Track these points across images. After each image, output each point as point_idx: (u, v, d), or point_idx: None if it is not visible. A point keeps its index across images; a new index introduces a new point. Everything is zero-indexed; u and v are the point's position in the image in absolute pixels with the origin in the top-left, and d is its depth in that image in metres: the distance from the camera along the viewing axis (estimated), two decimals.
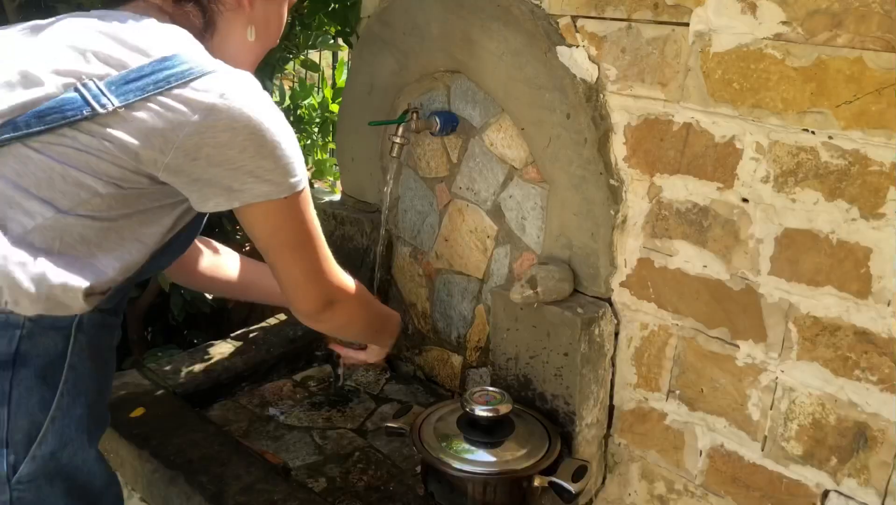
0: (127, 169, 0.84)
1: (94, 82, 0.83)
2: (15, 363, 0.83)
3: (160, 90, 0.83)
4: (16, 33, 0.91)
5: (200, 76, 0.85)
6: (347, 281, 1.14)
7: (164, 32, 0.91)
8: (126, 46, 0.87)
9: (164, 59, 0.85)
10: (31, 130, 0.81)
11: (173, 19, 0.95)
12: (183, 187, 0.89)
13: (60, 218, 0.83)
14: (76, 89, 0.82)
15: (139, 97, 0.83)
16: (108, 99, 0.82)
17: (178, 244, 1.02)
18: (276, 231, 0.97)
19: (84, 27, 0.89)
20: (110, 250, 0.87)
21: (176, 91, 0.83)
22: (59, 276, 0.83)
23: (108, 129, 0.82)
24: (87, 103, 0.81)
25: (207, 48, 0.95)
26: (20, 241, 0.82)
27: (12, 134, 0.81)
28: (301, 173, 0.94)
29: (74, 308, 0.85)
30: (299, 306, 1.08)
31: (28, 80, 0.83)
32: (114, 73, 0.84)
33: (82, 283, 0.84)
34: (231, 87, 0.86)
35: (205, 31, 0.98)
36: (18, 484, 0.86)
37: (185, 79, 0.84)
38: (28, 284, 0.81)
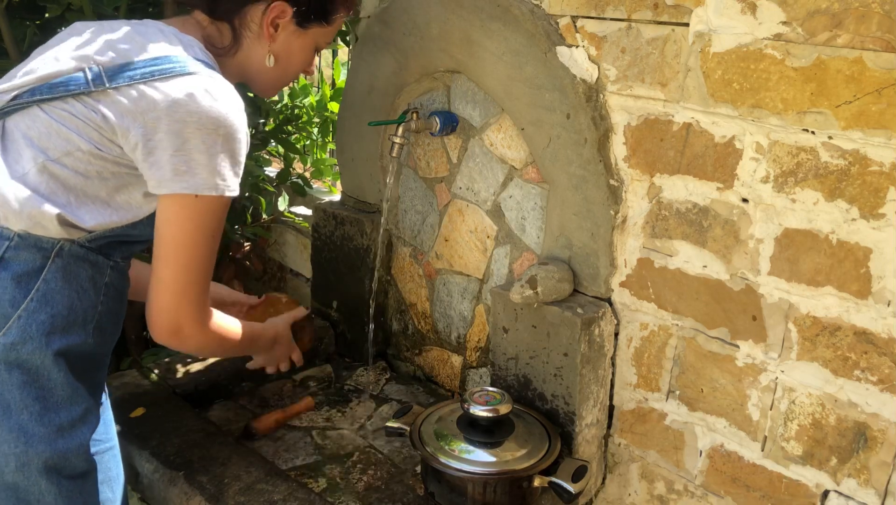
0: (105, 137, 1.02)
1: (99, 67, 1.02)
2: None
3: (144, 80, 1.01)
4: (82, 28, 1.11)
5: (181, 75, 1.02)
6: (220, 323, 1.19)
7: (172, 39, 1.07)
8: (136, 44, 1.05)
9: (157, 58, 1.03)
10: (43, 97, 1.02)
11: (207, 32, 1.16)
12: (140, 164, 1.03)
13: (49, 164, 1.02)
14: (83, 71, 1.02)
15: (127, 83, 1.01)
16: (103, 80, 1.01)
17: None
18: (177, 223, 1.04)
19: (121, 28, 1.09)
20: (85, 204, 1.04)
21: (156, 83, 1.01)
22: (38, 202, 1.01)
23: (97, 104, 1.01)
24: (87, 82, 1.02)
25: (231, 62, 1.18)
26: (20, 177, 1.02)
27: (30, 98, 1.03)
28: (228, 185, 1.05)
29: (52, 231, 1.02)
30: (149, 312, 1.10)
31: (56, 61, 1.04)
32: (118, 62, 1.03)
33: (54, 210, 1.01)
34: (200, 89, 1.01)
35: (231, 48, 1.18)
36: None
37: (166, 74, 1.02)
38: (14, 203, 1.00)
